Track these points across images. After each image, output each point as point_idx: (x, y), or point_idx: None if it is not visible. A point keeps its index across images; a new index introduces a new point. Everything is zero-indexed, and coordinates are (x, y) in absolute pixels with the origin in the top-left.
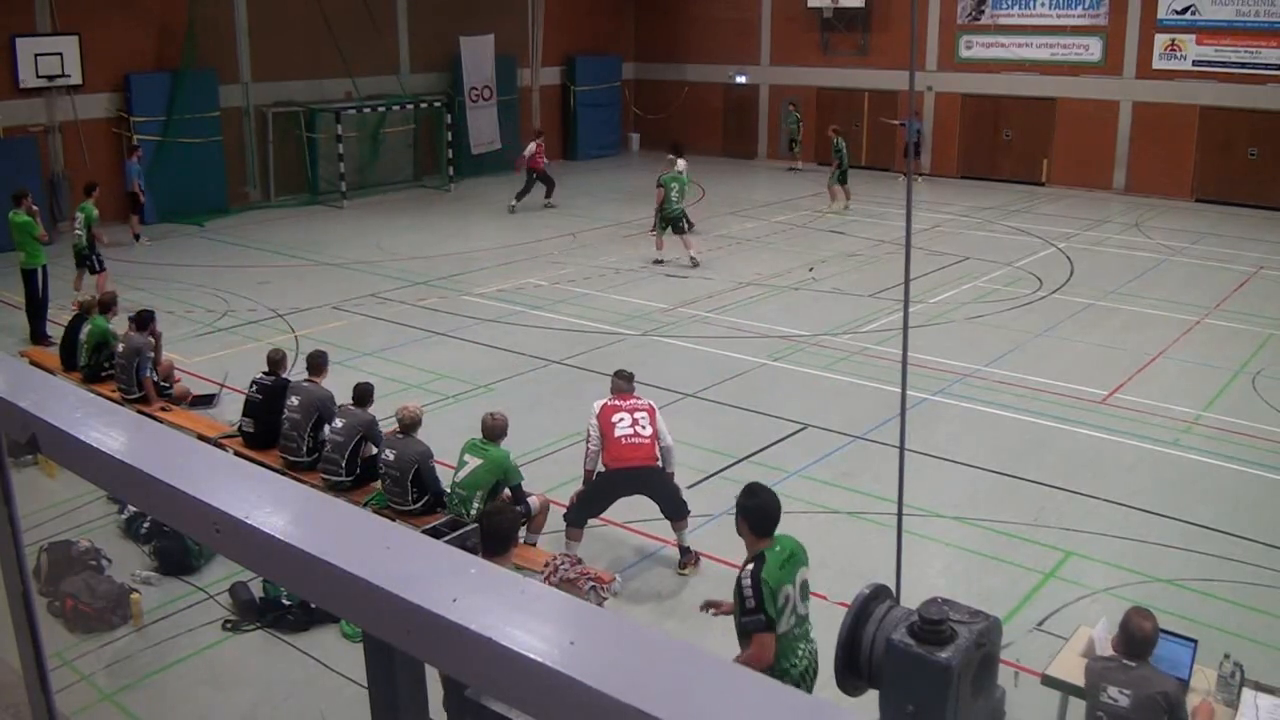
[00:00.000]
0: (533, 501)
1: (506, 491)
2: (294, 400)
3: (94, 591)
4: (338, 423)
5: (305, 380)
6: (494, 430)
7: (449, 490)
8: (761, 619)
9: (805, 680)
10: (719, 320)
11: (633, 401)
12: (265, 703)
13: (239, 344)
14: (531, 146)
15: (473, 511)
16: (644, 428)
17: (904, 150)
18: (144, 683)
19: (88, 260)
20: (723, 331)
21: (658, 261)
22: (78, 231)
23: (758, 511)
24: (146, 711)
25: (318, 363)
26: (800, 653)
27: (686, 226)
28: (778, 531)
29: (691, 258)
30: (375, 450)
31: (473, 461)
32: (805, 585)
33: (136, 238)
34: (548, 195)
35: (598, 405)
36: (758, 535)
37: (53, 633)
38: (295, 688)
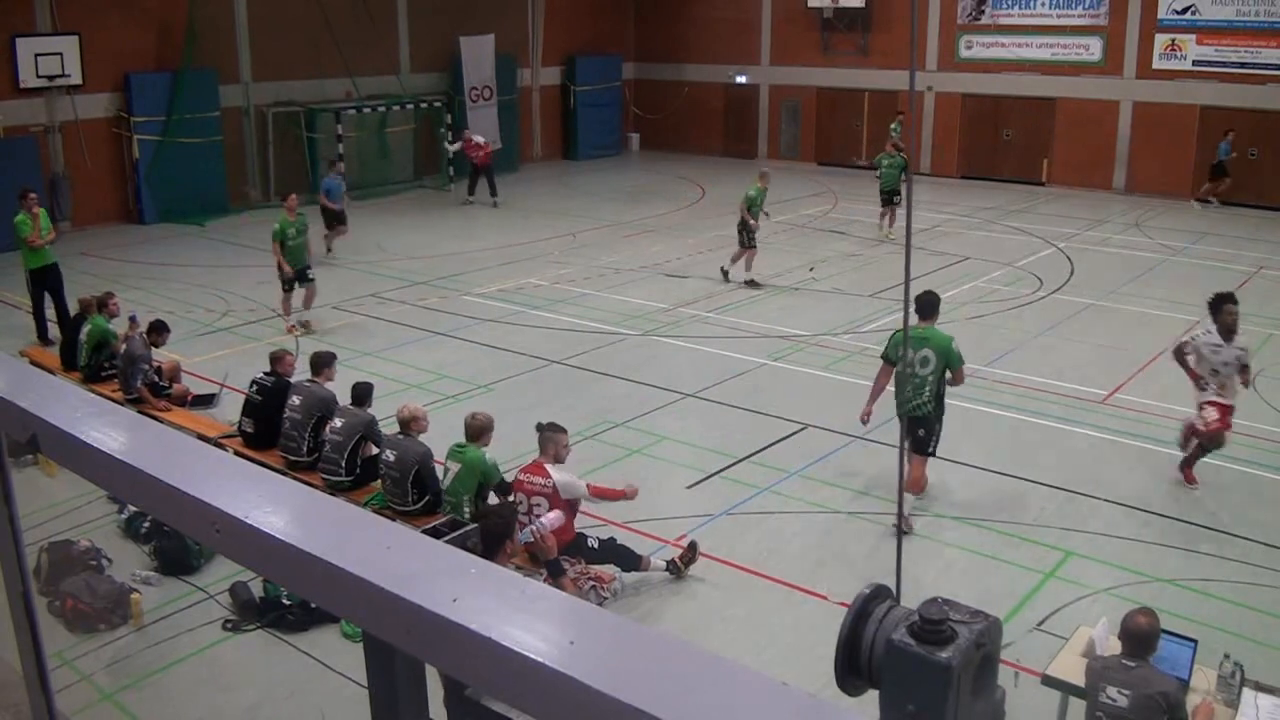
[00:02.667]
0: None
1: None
2: (295, 400)
3: (94, 591)
4: (337, 422)
5: (307, 380)
6: (473, 430)
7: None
8: (883, 355)
9: (907, 406)
10: (719, 320)
11: (537, 482)
12: (265, 703)
13: (239, 344)
14: (479, 139)
15: (465, 515)
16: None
17: (1215, 169)
18: (144, 683)
19: (293, 278)
20: (723, 331)
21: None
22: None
23: (916, 302)
24: (146, 711)
25: (320, 362)
26: (908, 392)
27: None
28: (941, 328)
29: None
30: (375, 450)
31: (453, 468)
32: (926, 358)
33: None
34: (492, 192)
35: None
36: (918, 316)
37: (53, 633)
38: (295, 688)
